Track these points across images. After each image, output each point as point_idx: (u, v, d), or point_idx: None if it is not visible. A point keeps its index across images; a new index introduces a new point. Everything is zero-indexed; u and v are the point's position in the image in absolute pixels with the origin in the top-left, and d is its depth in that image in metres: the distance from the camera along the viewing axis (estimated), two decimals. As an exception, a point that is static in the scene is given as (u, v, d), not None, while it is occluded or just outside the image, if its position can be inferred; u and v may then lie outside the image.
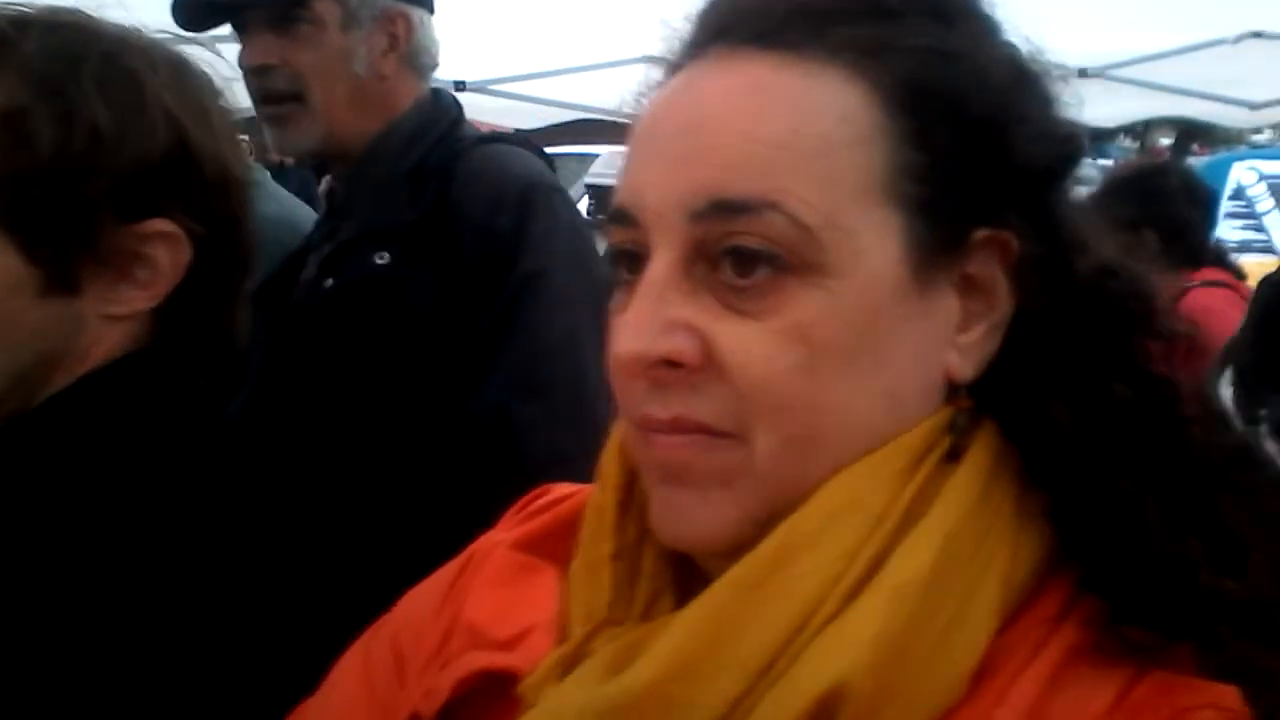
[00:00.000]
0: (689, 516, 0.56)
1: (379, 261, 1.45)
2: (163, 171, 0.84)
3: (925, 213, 0.56)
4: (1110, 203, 2.71)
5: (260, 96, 1.50)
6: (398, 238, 1.45)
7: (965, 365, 0.58)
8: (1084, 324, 0.58)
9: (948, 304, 0.58)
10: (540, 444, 1.33)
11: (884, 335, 0.55)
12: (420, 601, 0.71)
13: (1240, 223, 4.87)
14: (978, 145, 0.56)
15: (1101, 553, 0.56)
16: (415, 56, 1.55)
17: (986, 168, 0.57)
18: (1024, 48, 0.61)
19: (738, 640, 0.53)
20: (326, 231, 1.60)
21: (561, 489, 0.73)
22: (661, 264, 0.55)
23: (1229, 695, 0.54)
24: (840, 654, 0.52)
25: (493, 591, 0.67)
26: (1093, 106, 3.92)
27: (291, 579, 0.84)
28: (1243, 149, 5.55)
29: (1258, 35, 3.23)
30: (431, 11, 1.59)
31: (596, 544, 0.62)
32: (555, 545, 0.67)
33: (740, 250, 0.54)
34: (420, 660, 0.67)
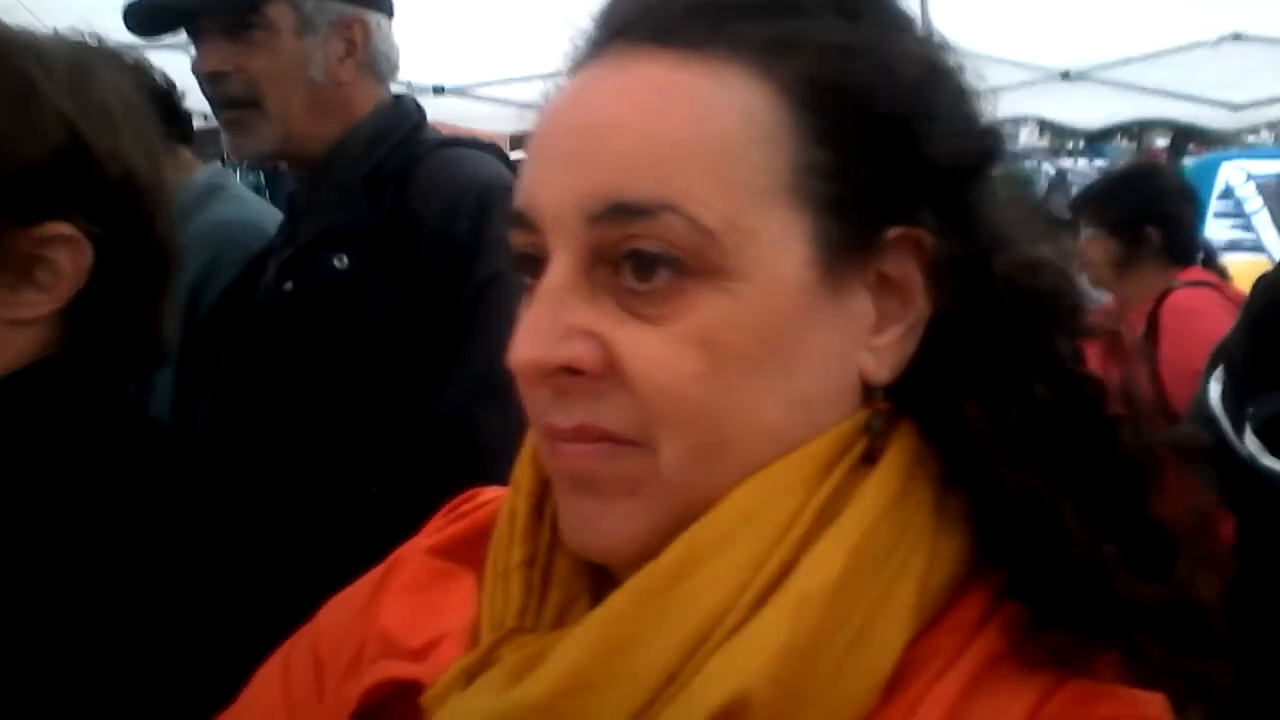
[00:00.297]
0: (595, 526, 0.55)
1: (338, 265, 1.45)
2: (56, 173, 0.83)
3: (834, 212, 0.54)
4: (1112, 200, 2.73)
5: (216, 102, 1.50)
6: (356, 241, 1.45)
7: (881, 367, 0.57)
8: (1001, 323, 0.57)
9: (861, 305, 0.56)
10: (499, 446, 1.31)
11: (792, 339, 0.54)
12: (342, 608, 0.70)
13: (1229, 222, 4.86)
14: (887, 142, 0.55)
15: (1017, 557, 0.55)
16: (374, 62, 1.55)
17: (897, 165, 0.55)
18: (937, 43, 0.60)
19: (637, 651, 0.52)
20: (287, 235, 1.61)
21: (491, 492, 0.72)
22: (560, 269, 0.54)
23: (1153, 703, 0.53)
24: (743, 665, 0.50)
25: (407, 599, 0.65)
26: (1076, 108, 3.96)
27: (227, 585, 0.84)
28: (1235, 150, 5.55)
29: (1238, 37, 3.23)
30: (390, 16, 1.58)
31: (507, 550, 0.61)
32: (473, 551, 0.65)
33: (639, 254, 0.53)
34: (339, 670, 0.66)
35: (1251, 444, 1.99)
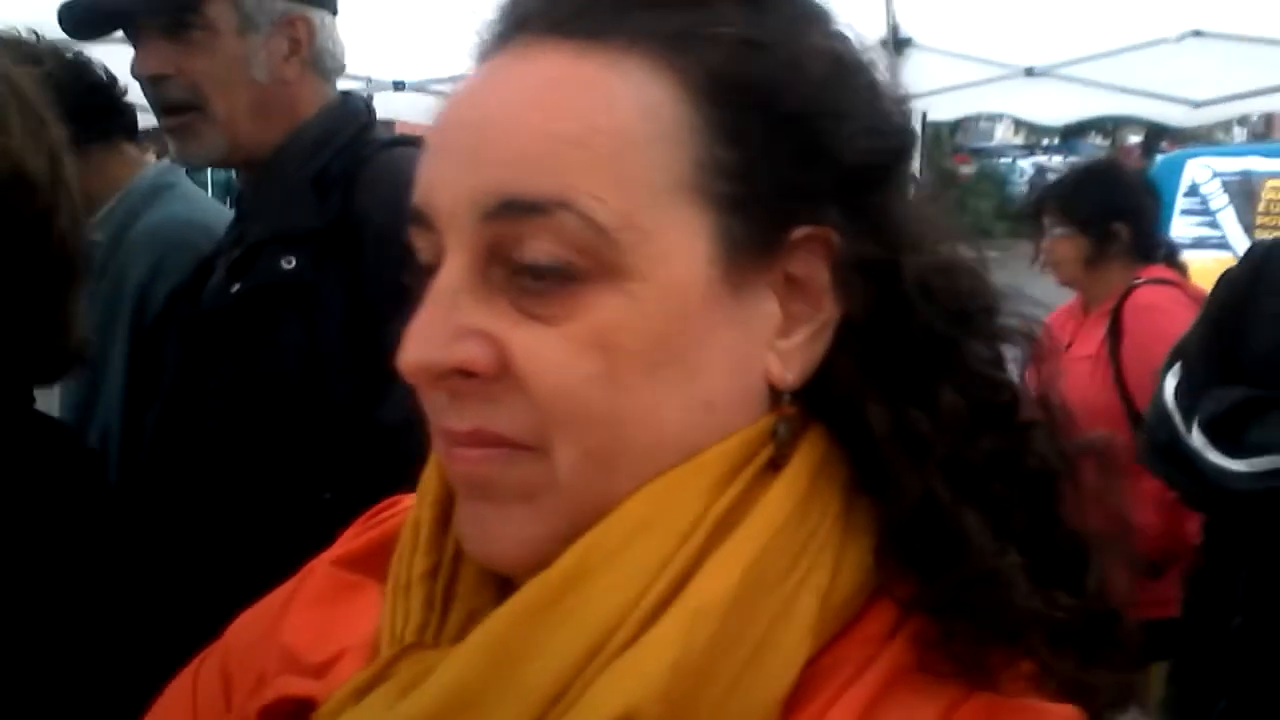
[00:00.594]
0: (491, 533, 0.54)
1: (286, 266, 1.42)
2: None
3: (738, 211, 0.53)
4: (1080, 197, 2.73)
5: (158, 106, 1.47)
6: (304, 242, 1.42)
7: (788, 371, 0.55)
8: (910, 326, 0.55)
9: (766, 307, 0.55)
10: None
11: (693, 341, 0.53)
12: (253, 622, 0.68)
13: (1195, 219, 4.89)
14: (794, 140, 0.54)
15: (922, 567, 0.54)
16: (319, 60, 1.52)
17: (804, 164, 0.54)
18: (849, 38, 0.58)
19: (524, 668, 0.50)
20: (235, 236, 1.58)
21: (411, 499, 0.69)
22: (453, 267, 0.53)
23: (1063, 716, 0.51)
24: (632, 683, 0.48)
25: (311, 612, 0.64)
26: (1040, 105, 3.97)
27: (135, 595, 0.81)
28: (1202, 147, 5.60)
29: (1198, 34, 3.25)
30: (334, 13, 1.56)
31: (409, 562, 0.59)
32: (381, 561, 0.63)
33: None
34: (248, 686, 0.64)
35: (1197, 439, 2.00)
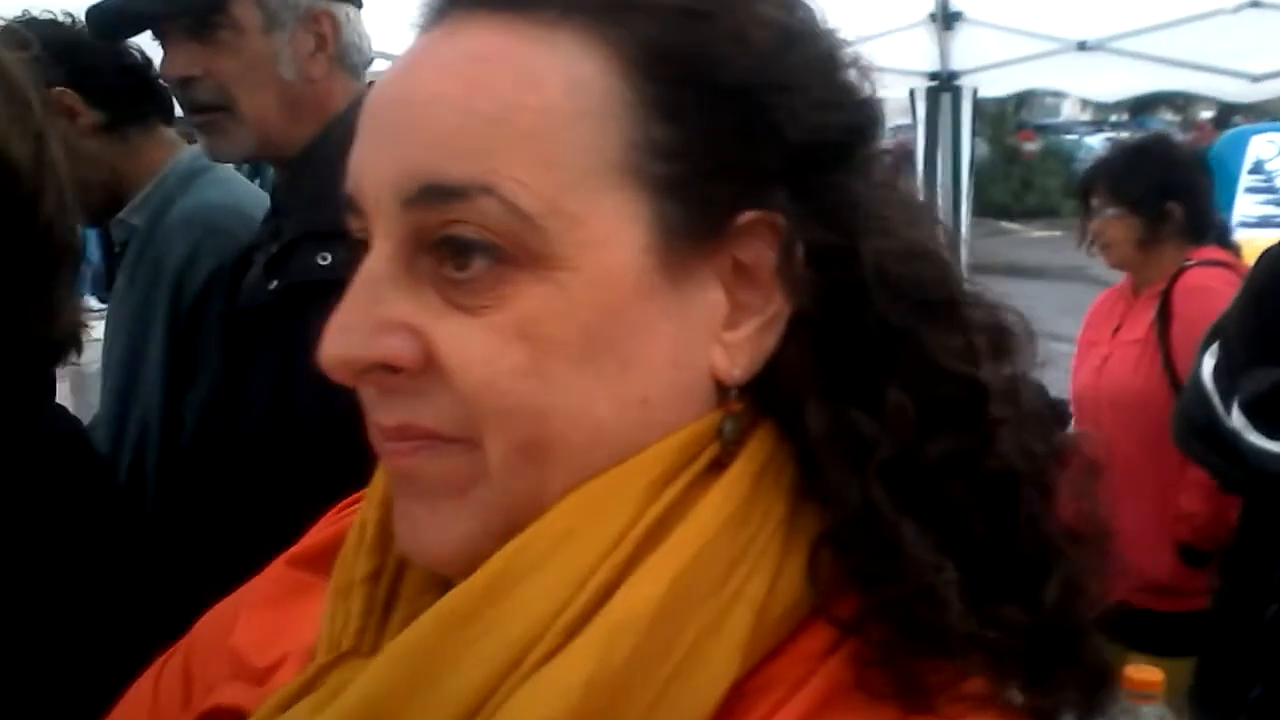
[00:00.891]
0: (422, 529, 0.52)
1: (322, 262, 1.43)
2: None
3: (676, 194, 0.50)
4: (1132, 176, 2.65)
5: (187, 107, 1.49)
6: (339, 238, 1.43)
7: (735, 364, 0.52)
8: (863, 316, 0.52)
9: (710, 296, 0.52)
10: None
11: (627, 333, 0.50)
12: (215, 621, 0.67)
13: (1260, 197, 4.73)
14: (737, 116, 0.50)
15: (858, 581, 0.51)
16: (345, 55, 1.52)
17: (749, 141, 0.51)
18: (806, 7, 0.56)
19: (439, 683, 0.48)
20: (272, 230, 1.60)
21: None
22: (378, 256, 0.51)
23: None
24: (547, 700, 0.46)
25: (261, 613, 0.62)
26: (1093, 80, 3.86)
27: (124, 590, 0.81)
28: (1271, 122, 5.39)
29: (1256, 4, 3.14)
30: (359, 6, 1.57)
31: (352, 564, 0.58)
32: (331, 561, 0.61)
33: (453, 240, 0.49)
34: (206, 685, 0.63)
35: (1237, 420, 1.95)
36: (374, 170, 0.52)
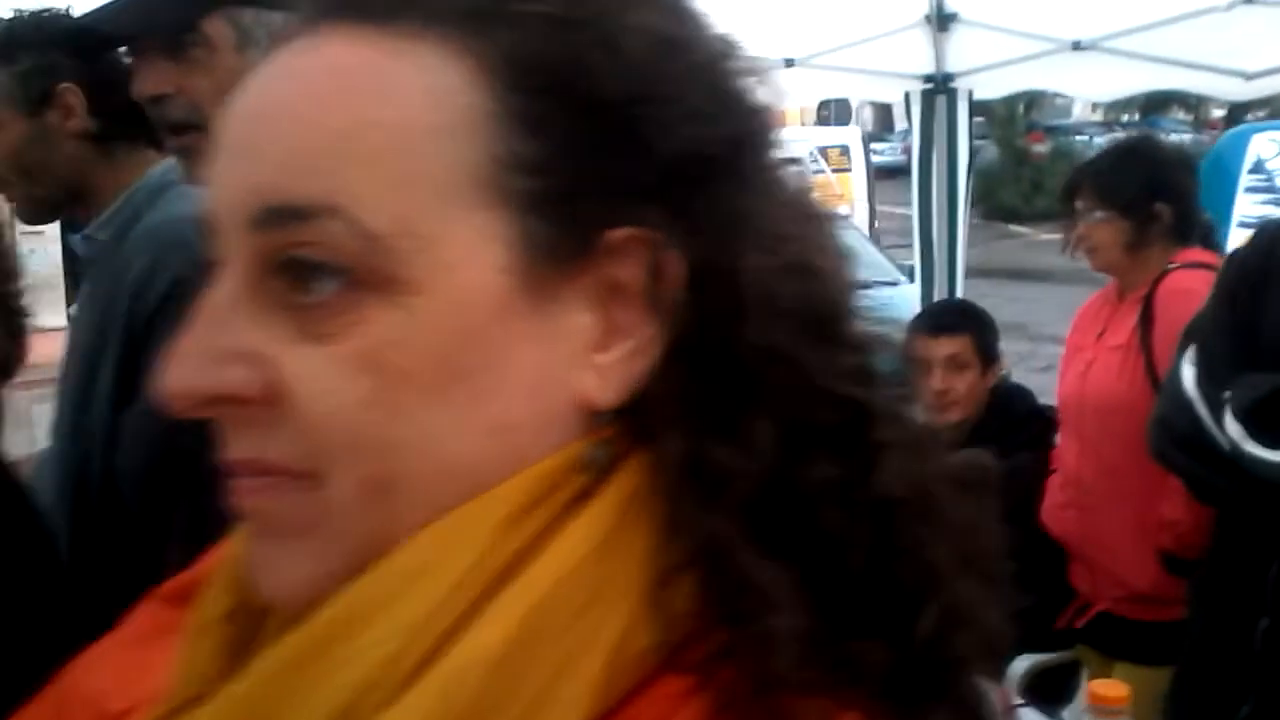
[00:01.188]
0: (270, 570, 0.50)
1: None
2: None
3: (542, 211, 0.48)
4: (1121, 177, 2.61)
5: (160, 126, 1.48)
6: None
7: (606, 389, 0.50)
8: (739, 337, 0.49)
9: (579, 318, 0.50)
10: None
11: (483, 360, 0.48)
12: (85, 659, 0.64)
13: (1261, 197, 4.66)
14: (607, 129, 0.48)
15: (715, 618, 0.48)
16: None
17: (620, 155, 0.48)
18: (690, 14, 0.53)
19: None
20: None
21: None
22: (225, 281, 0.49)
23: None
24: None
25: (124, 654, 0.60)
26: (1088, 80, 3.82)
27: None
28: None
29: (1249, 1, 3.09)
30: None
31: (212, 602, 0.55)
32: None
33: (300, 263, 0.47)
34: None
35: (1233, 430, 1.91)
36: (223, 190, 0.50)
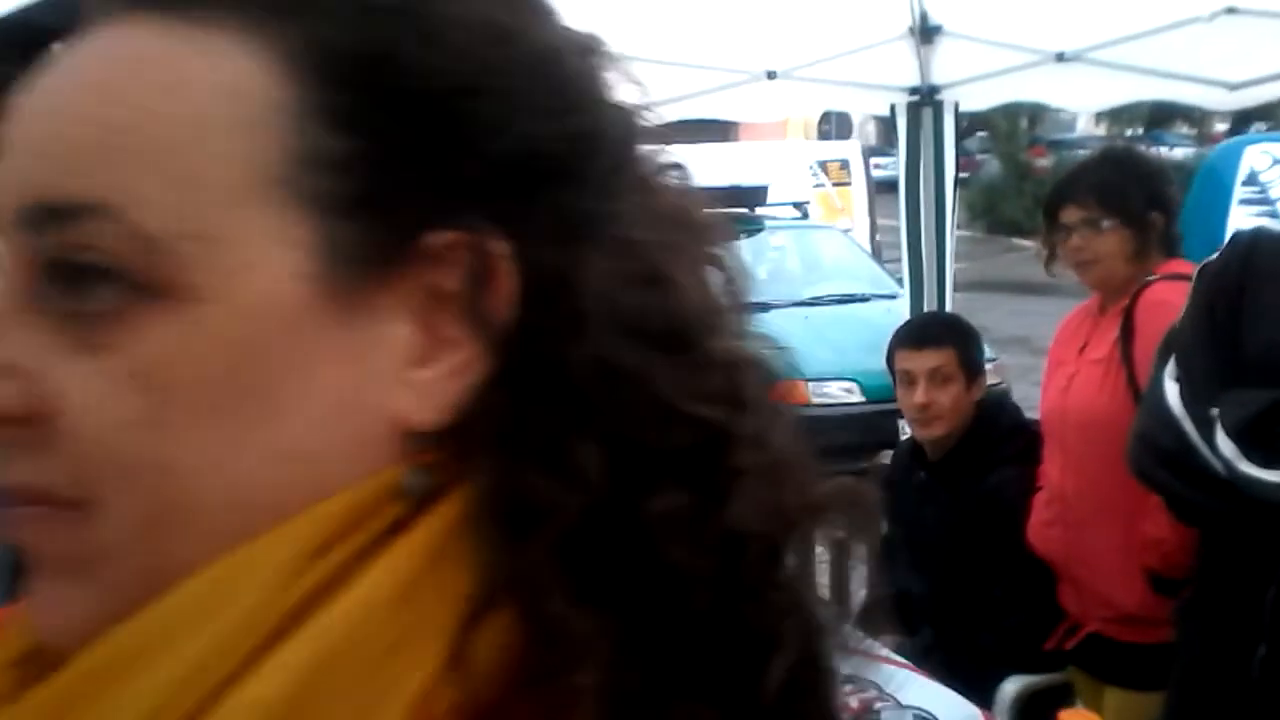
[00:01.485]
0: (43, 610, 0.45)
1: None
2: None
3: (349, 214, 0.44)
4: (1125, 185, 2.54)
5: None
6: None
7: (425, 408, 0.45)
8: (573, 353, 0.45)
9: (393, 330, 0.45)
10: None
11: (279, 375, 0.43)
12: None
13: (1255, 209, 4.60)
14: (427, 124, 0.44)
15: (526, 670, 0.44)
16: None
17: (442, 153, 0.44)
18: (523, 4, 0.49)
19: None
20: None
21: None
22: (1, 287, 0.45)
23: None
24: None
25: None
26: (1071, 92, 3.78)
27: None
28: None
29: (1232, 11, 3.05)
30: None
31: (3, 645, 0.50)
32: None
33: (72, 267, 0.43)
34: None
35: (1227, 450, 1.85)
36: (1, 188, 0.45)
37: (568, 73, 0.49)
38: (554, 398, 0.45)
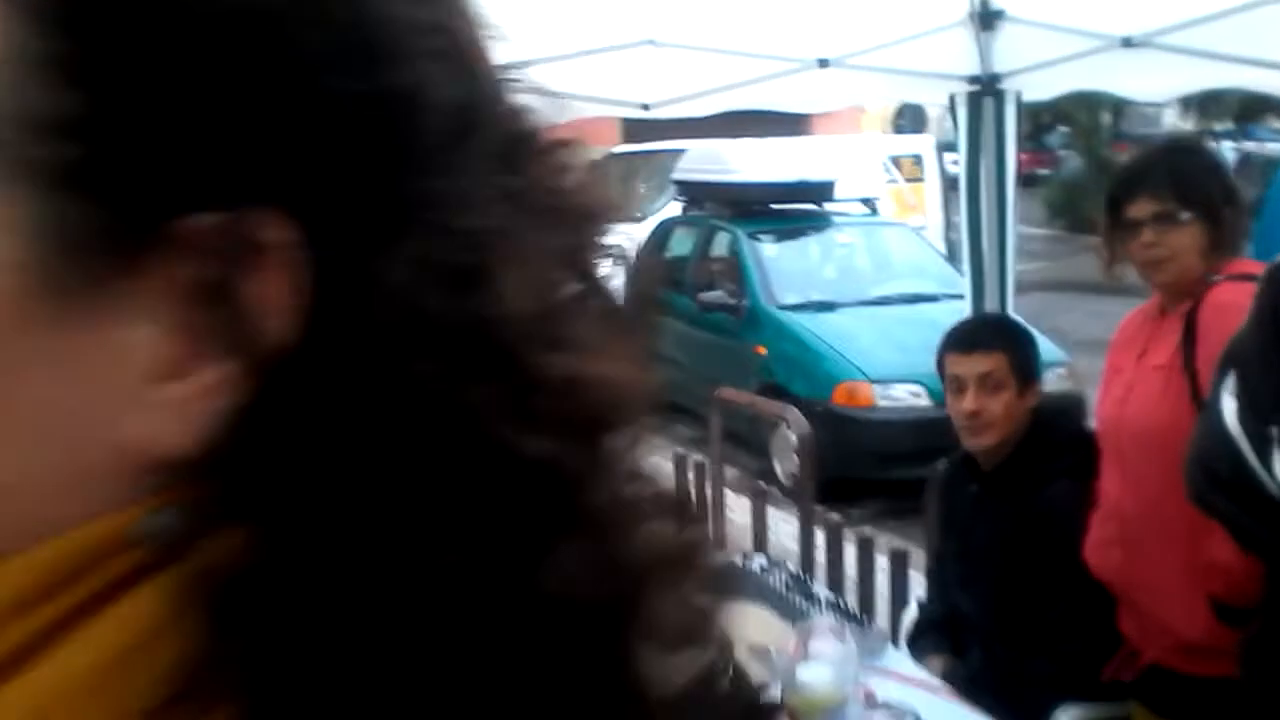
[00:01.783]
0: None
1: None
2: None
3: (81, 187, 0.35)
4: (1197, 176, 2.36)
5: None
6: None
7: (174, 432, 0.37)
8: (380, 360, 0.37)
9: (130, 335, 0.37)
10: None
11: None
12: None
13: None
14: (190, 80, 0.35)
15: None
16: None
17: (210, 116, 0.35)
18: None
19: None
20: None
21: None
22: None
23: None
24: None
25: None
26: (1139, 79, 3.56)
27: None
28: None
29: (1318, -13, 2.82)
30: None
31: None
32: None
33: None
34: None
35: None
36: None
37: (382, 16, 0.39)
38: (334, 426, 0.37)
